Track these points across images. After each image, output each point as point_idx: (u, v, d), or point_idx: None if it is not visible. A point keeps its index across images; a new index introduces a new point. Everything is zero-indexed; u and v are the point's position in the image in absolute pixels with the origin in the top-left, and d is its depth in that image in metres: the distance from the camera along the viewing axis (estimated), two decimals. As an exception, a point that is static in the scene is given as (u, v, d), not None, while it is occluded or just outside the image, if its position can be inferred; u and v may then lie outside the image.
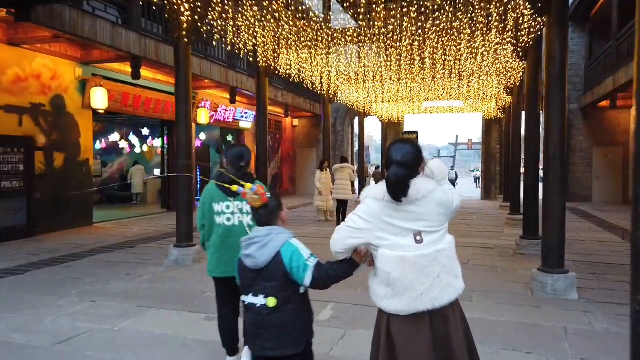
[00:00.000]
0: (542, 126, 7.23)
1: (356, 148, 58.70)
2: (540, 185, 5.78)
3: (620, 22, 12.93)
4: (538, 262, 5.66)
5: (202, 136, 16.97)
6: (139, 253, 7.26)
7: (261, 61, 8.17)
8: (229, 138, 16.94)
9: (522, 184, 9.01)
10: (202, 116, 13.22)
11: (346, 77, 10.86)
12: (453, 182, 27.54)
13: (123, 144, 16.13)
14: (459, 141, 65.47)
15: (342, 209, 10.52)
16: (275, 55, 8.53)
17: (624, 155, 16.66)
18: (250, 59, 8.74)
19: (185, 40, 6.13)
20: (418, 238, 2.06)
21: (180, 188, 6.51)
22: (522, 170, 9.52)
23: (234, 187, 2.25)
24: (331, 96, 11.99)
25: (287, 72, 9.37)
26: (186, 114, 6.26)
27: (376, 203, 2.08)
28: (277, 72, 9.30)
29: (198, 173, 17.56)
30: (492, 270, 6.06)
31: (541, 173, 6.26)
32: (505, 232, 9.60)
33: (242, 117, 15.86)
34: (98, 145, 15.62)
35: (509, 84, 10.76)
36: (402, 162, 2.03)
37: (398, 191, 2.01)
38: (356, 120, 21.07)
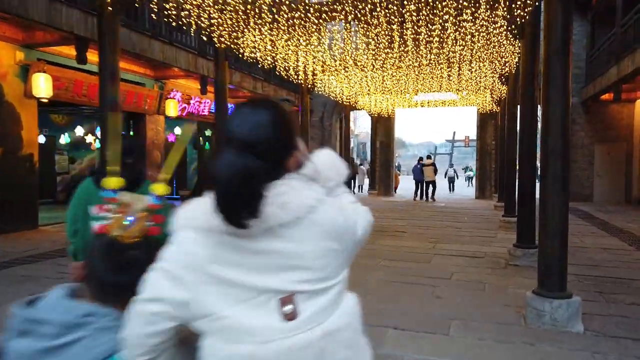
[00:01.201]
0: (540, 117, 6.23)
1: (352, 145, 57.58)
2: (538, 185, 4.80)
3: (625, 7, 11.91)
4: (533, 276, 4.68)
5: (177, 130, 15.91)
6: (65, 264, 6.20)
7: (217, 40, 7.12)
8: (207, 133, 15.89)
9: (517, 182, 8.06)
10: (171, 108, 12.16)
11: (321, 63, 9.81)
12: (452, 181, 26.23)
13: (90, 139, 15.04)
14: (456, 138, 64.52)
15: None
16: (238, 35, 7.48)
17: (628, 151, 15.67)
18: (204, 38, 7.65)
19: (110, 9, 5.08)
20: (288, 309, 1.02)
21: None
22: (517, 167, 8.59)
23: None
24: (309, 86, 10.95)
25: (254, 56, 8.31)
26: (113, 97, 5.21)
27: (197, 238, 1.03)
28: (241, 55, 8.25)
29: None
30: (479, 288, 5.04)
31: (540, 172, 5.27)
32: (498, 236, 8.58)
33: (220, 110, 14.79)
34: (64, 140, 14.55)
35: (503, 72, 9.73)
36: (249, 143, 1.01)
37: (238, 205, 0.98)
38: (351, 115, 20.03)
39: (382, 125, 18.94)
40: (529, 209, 6.19)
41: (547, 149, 3.92)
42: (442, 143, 77.59)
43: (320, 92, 12.64)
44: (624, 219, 11.05)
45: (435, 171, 17.04)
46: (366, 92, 13.31)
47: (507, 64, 9.39)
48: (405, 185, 26.24)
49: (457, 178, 28.55)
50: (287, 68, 9.47)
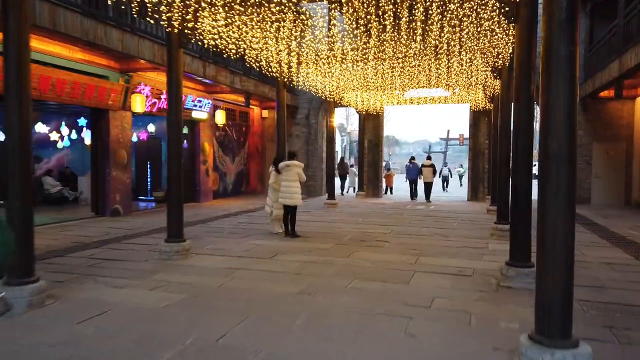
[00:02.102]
0: (538, 114, 5.36)
1: (345, 143, 56.41)
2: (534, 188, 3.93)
3: (628, -4, 11.07)
4: (530, 303, 3.88)
5: (151, 127, 14.95)
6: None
7: (166, 23, 6.17)
8: (185, 130, 14.91)
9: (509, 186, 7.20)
10: (138, 103, 11.20)
11: (296, 54, 8.89)
12: (446, 180, 25.53)
13: (55, 136, 14.05)
14: (450, 136, 63.81)
15: (291, 215, 8.60)
16: (194, 18, 6.54)
17: (628, 151, 14.86)
18: (151, 21, 6.71)
19: (12, -22, 4.13)
20: None
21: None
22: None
23: None
24: (286, 80, 10.02)
25: (216, 43, 7.37)
26: (19, 86, 4.26)
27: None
28: (200, 42, 7.33)
29: (149, 169, 15.57)
30: (464, 322, 4.15)
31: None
32: (489, 247, 7.71)
33: (195, 105, 13.85)
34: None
35: (496, 65, 8.84)
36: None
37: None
38: (338, 113, 19.06)
39: (371, 123, 18.04)
40: (523, 222, 5.30)
41: (547, 153, 3.03)
42: (436, 141, 76.90)
43: (301, 88, 11.71)
44: (626, 225, 10.21)
45: (434, 172, 16.89)
46: (350, 87, 12.39)
47: (500, 56, 8.51)
48: (402, 185, 25.35)
49: (452, 177, 27.74)
50: (257, 59, 8.54)
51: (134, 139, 15.37)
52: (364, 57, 8.86)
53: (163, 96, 12.37)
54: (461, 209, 13.81)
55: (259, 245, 7.59)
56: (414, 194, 17.24)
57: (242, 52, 8.03)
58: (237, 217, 11.31)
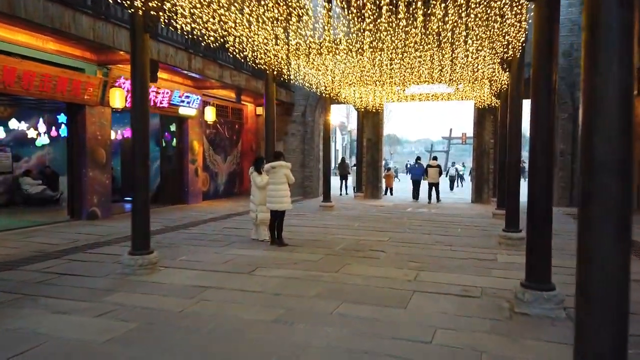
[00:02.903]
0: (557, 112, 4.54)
1: (346, 142, 55.54)
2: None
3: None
4: (553, 338, 3.33)
5: (137, 125, 14.10)
6: None
7: (128, 4, 5.34)
8: (172, 128, 14.11)
9: (526, 193, 6.37)
10: (117, 98, 10.39)
11: (284, 44, 8.06)
12: (453, 180, 24.91)
13: (33, 133, 13.26)
14: (452, 135, 62.90)
15: (279, 222, 7.78)
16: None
17: (642, 152, 14.00)
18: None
19: None
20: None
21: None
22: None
23: None
24: (275, 72, 9.17)
25: (192, 28, 6.54)
26: None
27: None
28: (172, 27, 6.51)
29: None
30: (472, 365, 3.33)
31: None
32: (499, 259, 6.88)
33: (182, 101, 13.03)
34: (1, 134, 12.75)
35: (505, 56, 8.00)
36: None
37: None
38: (338, 111, 18.25)
39: (370, 120, 17.19)
40: (543, 234, 4.47)
41: (593, 160, 2.20)
42: (438, 140, 75.93)
43: (294, 82, 10.87)
44: (646, 232, 9.37)
45: (440, 173, 16.55)
46: (345, 82, 11.55)
47: (510, 46, 7.66)
48: (402, 186, 24.53)
49: (463, 180, 26.87)
50: (241, 48, 7.72)
51: (119, 137, 14.57)
52: (359, 46, 8.02)
53: (146, 91, 11.55)
54: (465, 213, 12.97)
55: (239, 256, 6.77)
56: (416, 195, 16.85)
57: (223, 40, 7.20)
58: (224, 221, 10.50)
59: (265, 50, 8.15)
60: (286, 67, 9.14)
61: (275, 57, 8.50)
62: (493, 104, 14.38)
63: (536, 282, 4.46)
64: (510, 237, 7.90)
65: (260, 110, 18.13)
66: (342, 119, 50.80)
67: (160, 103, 12.17)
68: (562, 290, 4.42)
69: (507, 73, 8.74)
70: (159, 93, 11.99)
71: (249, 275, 5.68)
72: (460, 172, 27.49)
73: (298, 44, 8.04)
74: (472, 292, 5.09)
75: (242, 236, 8.52)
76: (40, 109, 13.38)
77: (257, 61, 8.58)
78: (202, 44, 7.30)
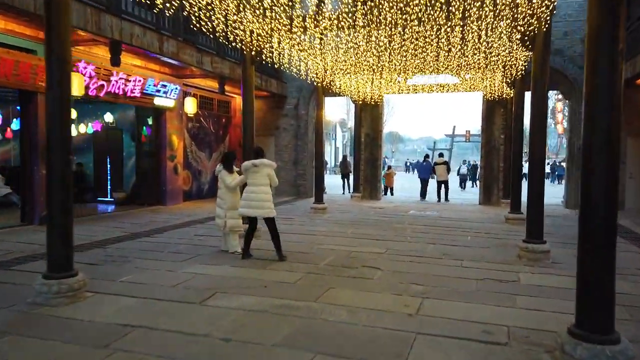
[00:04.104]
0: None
1: (346, 140, 54.29)
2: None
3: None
4: None
5: (108, 117, 12.78)
6: None
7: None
8: (149, 121, 12.75)
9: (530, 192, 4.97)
10: (75, 84, 8.98)
11: (259, 19, 6.68)
12: (465, 179, 23.71)
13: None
14: (456, 132, 61.47)
15: (273, 232, 6.40)
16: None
17: (671, 148, 12.62)
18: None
19: None
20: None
21: None
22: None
23: None
24: (253, 53, 7.79)
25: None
26: None
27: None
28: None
29: (108, 165, 13.43)
30: None
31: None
32: (522, 279, 5.51)
33: (158, 91, 11.67)
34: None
35: (528, 31, 6.61)
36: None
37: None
38: (339, 106, 16.89)
39: (368, 114, 15.80)
40: (605, 259, 3.12)
41: None
42: (441, 138, 74.47)
43: (283, 69, 9.49)
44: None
45: (448, 170, 16.12)
46: (339, 68, 10.17)
47: (535, 17, 6.28)
48: (405, 184, 23.09)
49: (476, 182, 25.17)
50: (208, 21, 6.34)
51: (89, 130, 13.23)
52: (351, 20, 6.64)
53: (115, 78, 10.21)
54: (473, 216, 11.58)
55: (198, 276, 5.41)
56: (423, 193, 16.25)
57: (187, 11, 5.83)
58: (198, 227, 9.15)
59: (239, 24, 6.78)
60: (267, 46, 7.76)
61: (250, 34, 7.12)
62: (504, 96, 13.01)
63: (593, 331, 3.09)
64: (532, 249, 6.53)
65: (250, 103, 16.75)
66: (342, 115, 49.40)
67: (131, 92, 10.80)
68: (630, 345, 3.06)
69: (526, 52, 7.36)
70: (129, 81, 10.62)
71: (199, 307, 4.32)
72: (464, 171, 25.19)
73: (276, 17, 6.66)
74: (495, 336, 3.72)
75: (213, 247, 7.17)
76: (8, 100, 12.05)
77: (230, 39, 7.22)
78: (175, 23, 5.84)
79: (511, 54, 8.62)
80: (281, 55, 8.53)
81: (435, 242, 7.83)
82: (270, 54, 8.15)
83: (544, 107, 6.65)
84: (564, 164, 26.90)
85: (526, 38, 6.68)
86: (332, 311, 4.23)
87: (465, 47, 8.17)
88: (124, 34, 8.75)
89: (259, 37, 7.37)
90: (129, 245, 7.16)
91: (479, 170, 24.64)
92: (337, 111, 46.09)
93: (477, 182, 24.95)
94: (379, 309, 4.32)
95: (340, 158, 25.27)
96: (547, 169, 31.37)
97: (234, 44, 7.40)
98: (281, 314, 4.15)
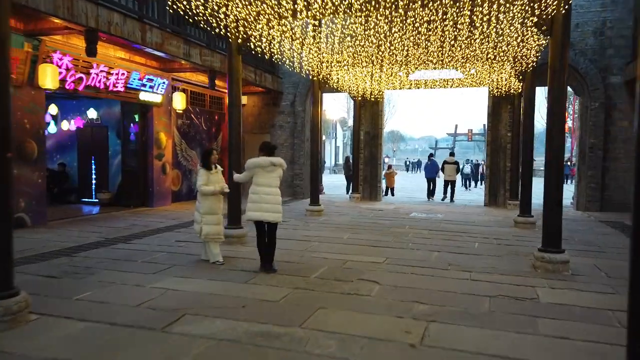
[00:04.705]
0: None
1: (346, 139, 53.62)
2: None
3: None
4: None
5: (92, 113, 12.09)
6: None
7: None
8: (137, 117, 12.04)
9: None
10: (48, 76, 8.33)
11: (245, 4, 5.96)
12: (468, 178, 23.38)
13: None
14: (458, 131, 60.80)
15: (270, 239, 5.71)
16: None
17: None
18: None
19: None
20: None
21: None
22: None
23: None
24: (239, 41, 7.07)
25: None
26: None
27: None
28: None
29: (93, 164, 12.73)
30: None
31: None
32: (541, 296, 4.79)
33: (143, 85, 10.96)
34: None
35: (544, 14, 5.88)
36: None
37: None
38: (340, 104, 16.14)
39: (368, 111, 15.07)
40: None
41: None
42: (443, 137, 73.75)
43: (276, 61, 8.76)
44: None
45: (458, 170, 16.06)
46: (335, 60, 9.44)
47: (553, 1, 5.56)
48: (406, 184, 22.31)
49: (474, 175, 24.35)
50: (185, 3, 5.63)
51: (73, 127, 12.53)
52: (346, 2, 5.91)
53: (95, 70, 9.51)
54: (480, 219, 10.85)
55: (167, 292, 4.69)
56: (431, 193, 15.98)
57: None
58: (181, 232, 8.45)
59: (224, 7, 6.05)
60: (255, 34, 7.04)
61: (236, 21, 6.41)
62: (512, 91, 12.28)
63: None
64: (550, 259, 5.82)
65: (244, 99, 16.04)
66: (343, 113, 48.65)
67: (114, 86, 10.09)
68: None
69: (540, 41, 6.63)
70: (111, 74, 9.92)
71: (160, 335, 3.61)
72: (466, 171, 24.17)
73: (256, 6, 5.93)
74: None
75: (194, 255, 6.46)
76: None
77: (213, 25, 6.50)
78: (160, 12, 5.13)
79: (523, 43, 7.88)
80: (271, 45, 7.80)
81: (439, 250, 7.11)
82: (259, 43, 7.43)
83: (562, 100, 5.92)
84: (568, 163, 26.17)
85: (543, 22, 5.95)
86: (319, 341, 3.52)
87: (473, 35, 7.43)
88: (100, 22, 8.04)
89: (245, 22, 6.65)
90: (99, 253, 6.45)
91: (483, 169, 24.00)
92: (337, 109, 45.28)
93: (478, 181, 24.27)
94: (375, 337, 3.60)
95: (340, 157, 24.59)
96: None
97: (217, 30, 6.68)
98: (257, 344, 3.44)
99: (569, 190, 16.12)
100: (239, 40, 7.03)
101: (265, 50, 7.80)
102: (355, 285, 5.08)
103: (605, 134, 12.52)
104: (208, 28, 6.54)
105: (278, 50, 8.03)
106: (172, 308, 4.19)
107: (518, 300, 4.66)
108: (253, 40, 7.19)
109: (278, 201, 5.64)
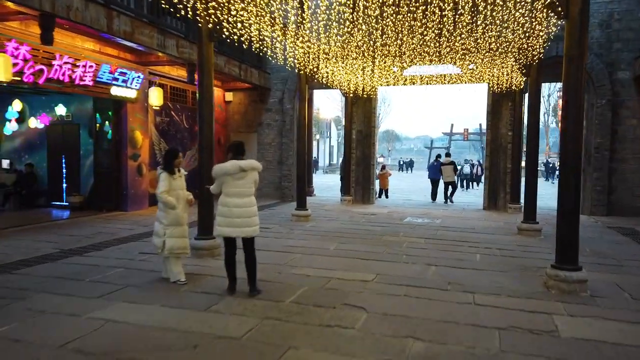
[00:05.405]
0: None
1: (340, 138, 53.09)
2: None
3: None
4: None
5: (61, 109, 11.18)
6: None
7: None
8: (110, 114, 11.13)
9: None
10: (0, 66, 7.43)
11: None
12: (467, 178, 22.66)
13: None
14: (454, 131, 60.03)
15: (249, 256, 4.85)
16: None
17: None
18: None
19: None
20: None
21: None
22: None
23: None
24: (210, 26, 6.21)
25: None
26: None
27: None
28: None
29: (63, 165, 11.81)
30: None
31: None
32: (560, 327, 3.97)
33: (115, 79, 10.06)
34: None
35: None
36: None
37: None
38: (334, 102, 15.21)
39: (360, 109, 14.22)
40: None
41: None
42: (439, 137, 73.03)
43: (228, 39, 7.89)
44: None
45: (455, 170, 15.67)
46: (322, 51, 8.59)
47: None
48: (401, 185, 21.30)
49: (475, 175, 23.40)
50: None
51: (40, 125, 11.62)
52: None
53: (58, 62, 8.60)
54: (480, 225, 10.02)
55: (107, 325, 3.83)
56: (434, 195, 15.60)
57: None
58: (148, 241, 7.49)
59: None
60: (227, 18, 6.17)
61: (206, 1, 5.54)
62: (513, 87, 11.47)
63: None
64: (565, 278, 5.00)
65: (230, 96, 15.17)
66: (337, 112, 47.82)
67: (81, 80, 9.19)
68: None
69: (547, 30, 5.80)
70: (77, 66, 9.02)
71: (72, 394, 2.75)
72: (466, 171, 23.31)
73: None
74: None
75: (154, 272, 5.59)
76: None
77: (178, 6, 5.63)
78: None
79: (530, 30, 7.05)
80: (249, 31, 6.93)
81: (437, 263, 6.27)
82: (234, 29, 6.56)
83: (579, 88, 5.09)
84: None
85: (557, 1, 5.12)
86: (282, 402, 2.67)
87: (475, 22, 6.60)
88: (57, 6, 7.14)
89: (216, 4, 5.78)
90: (44, 269, 5.57)
91: (478, 170, 23.23)
92: (331, 108, 44.49)
93: (475, 182, 23.47)
94: (356, 395, 2.76)
95: (335, 157, 23.76)
96: (541, 167, 29.90)
97: (183, 12, 5.81)
98: (198, 410, 2.59)
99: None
100: (209, 25, 6.17)
101: (243, 39, 6.94)
102: (337, 312, 4.24)
103: (612, 133, 11.75)
104: (173, 11, 5.66)
105: (257, 37, 7.16)
106: (103, 351, 3.33)
107: (534, 333, 3.83)
108: (226, 25, 6.31)
109: (252, 213, 4.80)
